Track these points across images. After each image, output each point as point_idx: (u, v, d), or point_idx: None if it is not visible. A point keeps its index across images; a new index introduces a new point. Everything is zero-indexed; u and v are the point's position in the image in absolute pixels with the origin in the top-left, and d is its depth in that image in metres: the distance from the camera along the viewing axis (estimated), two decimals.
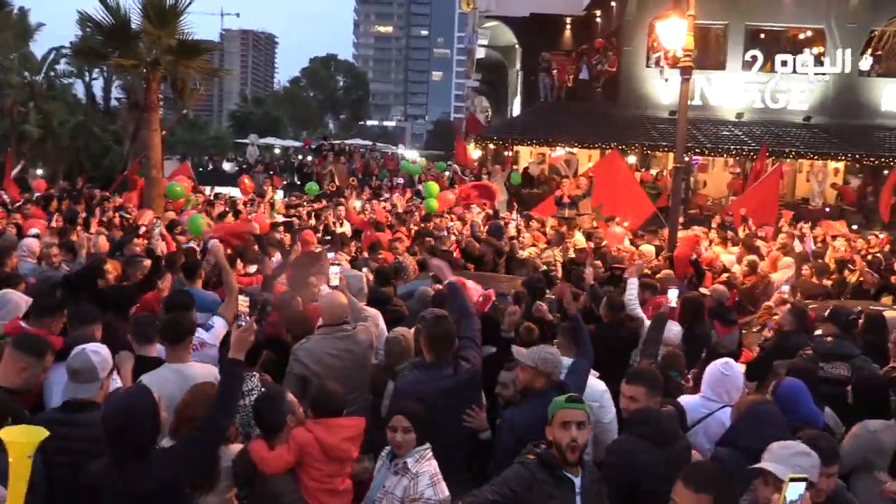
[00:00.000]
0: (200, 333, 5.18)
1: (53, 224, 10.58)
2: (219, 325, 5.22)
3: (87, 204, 14.44)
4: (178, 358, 4.34)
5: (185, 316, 4.68)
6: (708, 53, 22.64)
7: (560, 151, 23.23)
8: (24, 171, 19.74)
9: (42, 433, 2.50)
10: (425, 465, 3.70)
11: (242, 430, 4.14)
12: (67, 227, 9.78)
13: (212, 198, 17.05)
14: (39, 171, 20.72)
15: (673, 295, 6.35)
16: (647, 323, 6.39)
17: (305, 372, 4.83)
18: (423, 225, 13.02)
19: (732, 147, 21.32)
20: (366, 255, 9.65)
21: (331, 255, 7.54)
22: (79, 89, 36.98)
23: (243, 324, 3.75)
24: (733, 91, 23.01)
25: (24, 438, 2.44)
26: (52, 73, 33.99)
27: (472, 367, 4.49)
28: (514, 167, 23.38)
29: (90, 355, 3.68)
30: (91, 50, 15.67)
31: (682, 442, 3.97)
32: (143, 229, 9.75)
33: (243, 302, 4.18)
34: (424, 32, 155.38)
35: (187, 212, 12.37)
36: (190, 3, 13.54)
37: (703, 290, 8.62)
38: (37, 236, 8.93)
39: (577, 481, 3.34)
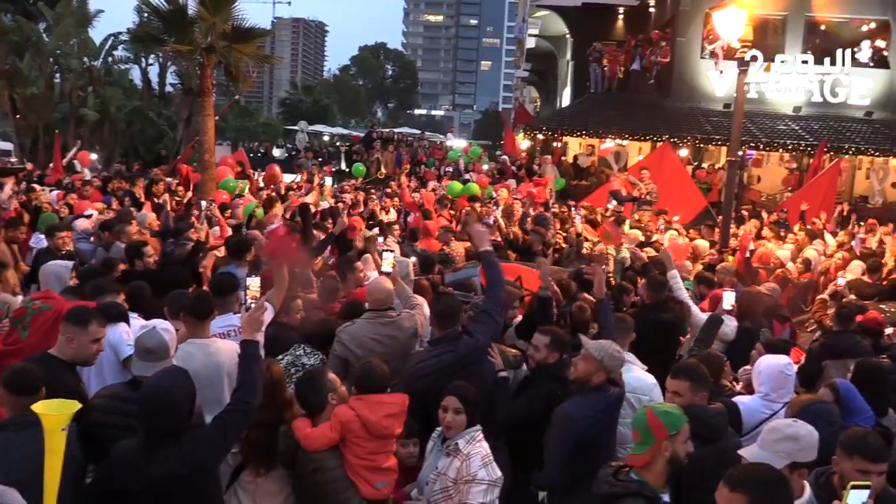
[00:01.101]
0: None
1: (114, 206, 10.81)
2: (266, 310, 5.26)
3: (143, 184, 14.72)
4: (201, 334, 4.38)
5: (209, 295, 4.70)
6: (765, 45, 21.99)
7: (609, 143, 22.89)
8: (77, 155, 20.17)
9: (74, 405, 2.50)
10: (477, 447, 3.70)
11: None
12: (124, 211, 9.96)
13: (261, 183, 17.14)
14: (94, 156, 21.20)
15: (729, 297, 6.23)
16: (697, 312, 6.30)
17: (347, 355, 4.85)
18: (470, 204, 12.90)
19: (789, 142, 20.68)
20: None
21: (381, 239, 7.58)
22: (135, 75, 37.84)
23: (253, 305, 3.76)
24: (791, 84, 22.36)
25: (57, 411, 2.45)
26: (110, 59, 34.83)
27: (473, 341, 4.59)
28: (563, 157, 23.05)
29: (162, 334, 3.72)
30: (148, 36, 15.99)
31: (731, 441, 3.87)
32: (194, 213, 9.91)
33: (254, 286, 4.20)
34: (474, 22, 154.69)
35: (245, 197, 12.50)
36: None
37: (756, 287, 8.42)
38: (89, 217, 9.13)
39: (665, 496, 3.22)
